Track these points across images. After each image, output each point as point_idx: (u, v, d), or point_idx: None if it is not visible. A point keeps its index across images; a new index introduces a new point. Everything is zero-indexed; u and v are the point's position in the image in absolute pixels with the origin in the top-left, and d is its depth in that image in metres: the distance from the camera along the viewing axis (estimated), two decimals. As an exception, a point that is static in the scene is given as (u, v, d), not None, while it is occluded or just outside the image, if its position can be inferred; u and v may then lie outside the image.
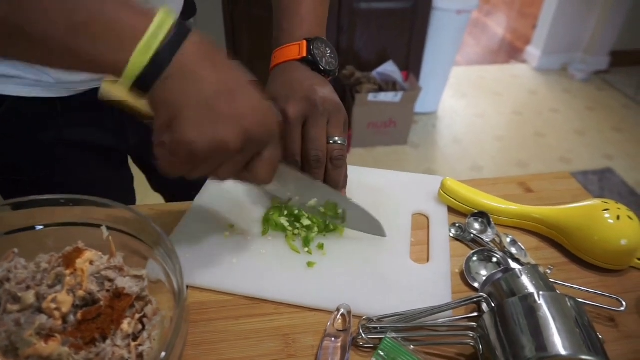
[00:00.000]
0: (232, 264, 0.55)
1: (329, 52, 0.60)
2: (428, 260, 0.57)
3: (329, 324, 0.47)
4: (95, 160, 0.75)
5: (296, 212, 0.60)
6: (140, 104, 0.41)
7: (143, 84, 0.38)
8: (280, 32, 0.61)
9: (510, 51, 3.93)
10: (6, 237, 0.45)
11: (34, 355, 0.35)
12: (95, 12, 0.37)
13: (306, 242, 0.58)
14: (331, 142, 0.55)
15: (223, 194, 0.65)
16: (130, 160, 0.85)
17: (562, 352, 0.36)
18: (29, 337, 0.36)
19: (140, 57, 0.37)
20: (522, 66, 3.62)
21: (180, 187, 0.70)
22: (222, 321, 0.48)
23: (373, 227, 0.59)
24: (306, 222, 0.59)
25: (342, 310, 0.48)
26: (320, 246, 0.57)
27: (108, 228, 0.46)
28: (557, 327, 0.38)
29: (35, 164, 0.70)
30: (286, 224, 0.59)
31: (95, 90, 0.67)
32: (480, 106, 3.07)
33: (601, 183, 2.43)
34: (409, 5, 2.40)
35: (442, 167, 2.50)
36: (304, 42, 0.59)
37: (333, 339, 0.45)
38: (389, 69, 2.42)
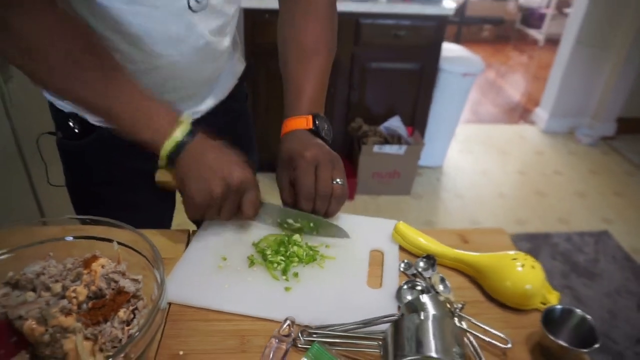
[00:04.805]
0: (224, 289, 0.68)
1: (326, 126, 0.81)
2: (381, 286, 0.71)
3: (276, 330, 0.61)
4: (153, 187, 0.93)
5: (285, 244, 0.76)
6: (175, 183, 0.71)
7: (170, 161, 0.67)
8: (290, 106, 0.81)
9: (522, 113, 4.09)
10: (44, 244, 0.61)
11: (57, 325, 0.50)
12: (120, 119, 0.66)
13: (284, 272, 0.72)
14: (335, 182, 0.74)
15: (216, 234, 0.79)
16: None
17: (434, 354, 0.49)
18: (54, 312, 0.51)
19: (168, 147, 0.66)
20: (530, 127, 3.77)
21: None
22: (195, 322, 0.63)
23: (338, 232, 0.77)
24: (293, 248, 0.75)
25: (287, 321, 0.62)
26: (296, 275, 0.72)
27: (118, 243, 0.61)
28: (434, 337, 0.51)
29: (108, 183, 0.90)
30: (268, 252, 0.74)
31: None
32: (485, 163, 3.21)
33: (596, 245, 2.50)
34: (417, 66, 2.61)
35: (442, 220, 2.62)
36: (311, 116, 0.79)
37: (277, 341, 0.59)
38: (395, 124, 2.61)
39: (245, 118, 1.05)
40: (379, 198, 2.71)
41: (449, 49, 2.85)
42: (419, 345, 0.50)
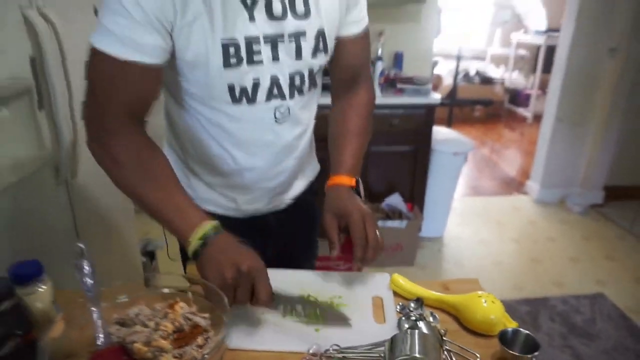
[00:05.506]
0: (267, 336, 0.88)
1: (361, 188, 1.07)
2: (384, 322, 0.94)
3: (306, 351, 0.83)
4: None
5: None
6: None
7: (194, 253, 0.83)
8: (336, 167, 1.06)
9: (517, 185, 4.37)
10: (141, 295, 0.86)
11: (157, 346, 0.74)
12: (166, 215, 0.86)
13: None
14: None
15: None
16: None
17: (417, 355, 0.71)
18: (156, 337, 0.74)
19: (195, 241, 0.82)
20: (523, 198, 4.03)
21: None
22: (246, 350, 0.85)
23: (341, 321, 0.93)
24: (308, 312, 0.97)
25: (314, 346, 0.84)
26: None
27: (192, 293, 0.86)
28: (417, 345, 0.73)
29: None
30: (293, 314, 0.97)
31: (256, 218, 1.17)
32: (482, 233, 3.43)
33: (593, 307, 2.65)
34: (411, 149, 2.94)
35: (446, 287, 2.79)
36: (354, 179, 1.03)
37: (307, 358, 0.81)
38: (395, 201, 2.88)
39: (315, 208, 1.30)
40: (385, 270, 2.90)
41: (441, 132, 3.20)
42: (408, 349, 0.73)
